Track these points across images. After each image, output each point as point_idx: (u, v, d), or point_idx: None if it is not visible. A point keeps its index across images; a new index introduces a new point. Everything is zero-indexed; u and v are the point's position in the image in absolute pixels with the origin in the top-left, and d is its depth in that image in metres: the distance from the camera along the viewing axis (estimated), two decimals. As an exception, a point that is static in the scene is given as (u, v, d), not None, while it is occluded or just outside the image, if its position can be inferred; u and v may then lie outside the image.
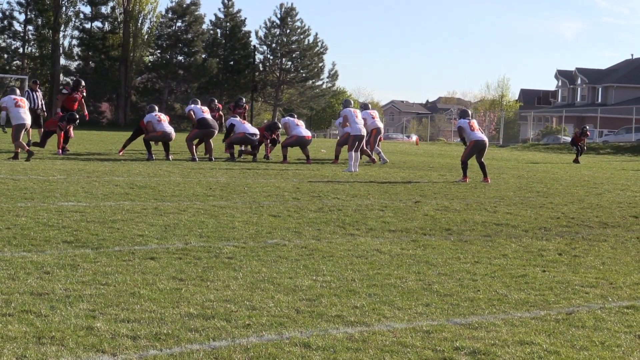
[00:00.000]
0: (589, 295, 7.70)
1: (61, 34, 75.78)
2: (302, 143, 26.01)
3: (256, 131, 25.66)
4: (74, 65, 78.32)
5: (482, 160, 20.90)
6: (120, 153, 24.82)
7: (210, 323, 6.18)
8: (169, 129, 23.89)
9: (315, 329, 6.15)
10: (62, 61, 76.95)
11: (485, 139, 21.25)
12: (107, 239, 9.56)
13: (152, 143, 24.00)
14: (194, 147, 24.61)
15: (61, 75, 75.32)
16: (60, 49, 75.88)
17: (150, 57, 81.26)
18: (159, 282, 7.43)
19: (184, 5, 79.81)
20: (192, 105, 25.42)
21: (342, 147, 25.75)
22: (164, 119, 24.43)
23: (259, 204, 13.55)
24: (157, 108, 25.23)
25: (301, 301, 7.00)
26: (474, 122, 22.06)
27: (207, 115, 25.14)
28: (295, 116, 27.33)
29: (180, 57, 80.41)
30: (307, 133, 26.41)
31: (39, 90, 28.07)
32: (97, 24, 78.28)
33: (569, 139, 67.36)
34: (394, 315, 6.68)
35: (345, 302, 7.04)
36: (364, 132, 23.19)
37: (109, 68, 76.61)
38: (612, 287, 8.11)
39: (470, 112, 23.15)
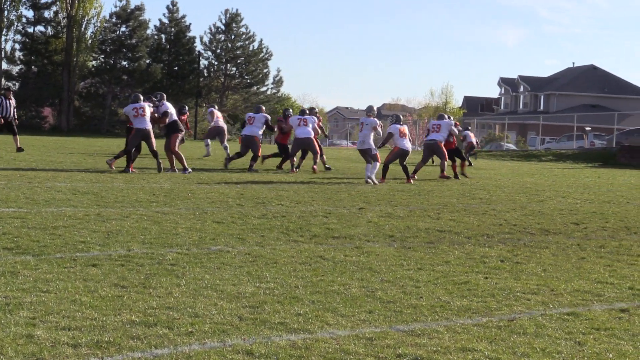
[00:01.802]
0: (531, 302, 7.77)
1: (3, 37, 74.77)
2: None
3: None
4: (16, 69, 77.46)
5: (404, 164, 21.93)
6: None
7: (153, 330, 6.14)
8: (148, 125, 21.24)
9: (258, 336, 6.14)
10: (4, 65, 75.99)
11: (410, 148, 22.13)
12: (49, 245, 9.46)
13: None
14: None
15: (3, 79, 74.38)
16: (2, 53, 74.88)
17: (93, 62, 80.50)
18: (101, 289, 7.37)
19: (128, 10, 79.28)
20: (166, 103, 22.34)
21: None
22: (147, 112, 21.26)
23: (203, 210, 13.50)
24: (141, 98, 21.77)
25: (244, 308, 6.98)
26: (405, 129, 22.51)
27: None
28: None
29: (124, 62, 79.81)
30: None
31: (12, 98, 28.30)
32: (40, 28, 77.37)
33: (512, 146, 68.12)
34: (337, 322, 6.69)
35: (288, 309, 7.03)
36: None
37: (51, 73, 75.75)
38: (553, 294, 8.19)
39: (402, 119, 23.65)
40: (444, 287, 8.27)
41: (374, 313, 7.05)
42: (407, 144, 22.65)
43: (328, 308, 7.13)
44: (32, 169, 20.15)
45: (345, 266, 9.20)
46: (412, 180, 22.42)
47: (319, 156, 25.05)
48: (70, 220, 11.55)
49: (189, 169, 21.31)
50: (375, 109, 23.39)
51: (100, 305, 6.81)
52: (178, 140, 21.92)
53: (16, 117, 28.48)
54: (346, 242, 11.01)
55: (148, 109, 21.13)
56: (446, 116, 25.14)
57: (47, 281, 7.59)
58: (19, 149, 27.49)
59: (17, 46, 77.47)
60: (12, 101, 28.34)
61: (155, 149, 20.92)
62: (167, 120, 21.89)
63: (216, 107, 32.80)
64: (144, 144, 21.42)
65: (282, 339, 6.11)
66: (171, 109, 22.22)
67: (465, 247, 11.06)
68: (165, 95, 23.02)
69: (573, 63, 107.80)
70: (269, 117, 25.46)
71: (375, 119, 22.44)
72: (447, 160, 24.58)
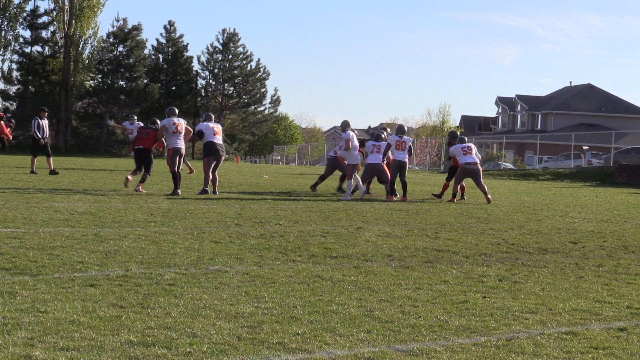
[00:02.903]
0: (529, 321, 7.77)
1: (0, 57, 74.89)
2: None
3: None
4: (13, 89, 77.46)
5: (404, 179, 22.05)
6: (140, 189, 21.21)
7: (151, 351, 6.14)
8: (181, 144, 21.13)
9: (256, 357, 6.14)
10: (1, 85, 76.11)
11: (406, 159, 22.10)
12: (47, 265, 9.46)
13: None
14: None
15: (0, 99, 74.44)
16: (0, 73, 75.01)
17: (91, 81, 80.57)
18: (99, 310, 7.37)
19: (126, 30, 79.33)
20: (204, 123, 21.96)
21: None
22: (181, 127, 21.15)
23: (201, 230, 13.51)
24: (176, 111, 21.68)
25: (242, 328, 6.98)
26: (405, 142, 22.61)
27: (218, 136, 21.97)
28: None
29: (121, 82, 79.80)
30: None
31: (46, 119, 28.33)
32: (37, 48, 77.44)
33: (509, 165, 68.14)
34: (336, 342, 6.69)
35: (286, 328, 7.03)
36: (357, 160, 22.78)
37: (49, 93, 75.76)
38: (551, 313, 8.19)
39: (405, 129, 23.52)
40: (442, 307, 8.27)
41: (372, 333, 7.05)
42: (403, 156, 22.75)
43: (326, 328, 7.14)
44: (30, 187, 20.16)
45: (344, 286, 9.20)
46: (407, 198, 22.64)
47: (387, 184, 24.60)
48: (68, 240, 11.55)
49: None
50: (349, 123, 23.19)
51: (99, 325, 6.81)
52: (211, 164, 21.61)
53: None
54: (344, 262, 11.01)
55: (184, 123, 21.09)
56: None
57: (45, 301, 7.59)
58: (53, 172, 27.43)
59: (14, 66, 77.42)
60: (46, 121, 28.40)
61: (176, 170, 20.79)
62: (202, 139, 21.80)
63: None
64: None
65: (280, 358, 6.12)
66: (208, 130, 21.72)
67: (463, 267, 11.07)
68: (211, 115, 22.60)
69: (570, 82, 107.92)
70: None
71: (346, 133, 22.65)
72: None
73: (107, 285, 8.49)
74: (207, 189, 21.48)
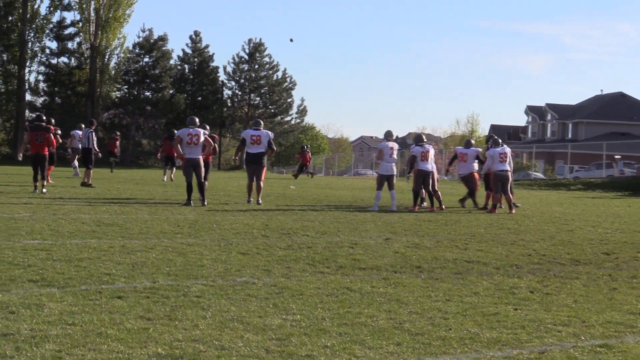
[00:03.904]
0: (562, 334, 7.72)
1: (27, 69, 75.29)
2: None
3: None
4: (39, 100, 77.97)
5: (430, 189, 22.24)
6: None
7: (179, 364, 6.14)
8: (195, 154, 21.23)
9: (285, 369, 6.13)
10: (28, 97, 76.59)
11: (430, 169, 22.15)
12: (74, 277, 9.50)
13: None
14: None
15: (27, 111, 74.84)
16: (26, 84, 75.41)
17: (117, 92, 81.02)
18: (127, 322, 7.38)
19: (152, 41, 79.75)
20: (245, 131, 22.98)
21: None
22: (197, 138, 21.12)
23: (228, 241, 13.52)
24: (197, 121, 21.69)
25: (271, 341, 6.97)
26: (429, 152, 22.57)
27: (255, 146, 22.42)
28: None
29: (147, 93, 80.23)
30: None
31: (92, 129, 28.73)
32: (64, 59, 77.99)
33: (539, 175, 67.84)
34: (365, 354, 6.67)
35: (315, 341, 7.02)
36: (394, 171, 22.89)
37: (75, 104, 76.25)
38: (584, 326, 8.14)
39: (424, 138, 23.46)
40: (473, 319, 8.23)
41: (402, 345, 7.02)
42: (428, 166, 22.73)
43: (355, 340, 7.12)
44: (57, 199, 20.26)
45: (373, 298, 9.18)
46: (434, 209, 22.61)
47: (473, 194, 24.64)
48: (95, 252, 11.59)
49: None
50: (391, 133, 23.35)
51: (126, 337, 6.82)
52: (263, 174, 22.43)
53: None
54: (373, 273, 10.99)
55: (202, 136, 21.11)
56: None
57: (73, 314, 7.61)
58: (88, 184, 27.63)
59: (40, 77, 78.05)
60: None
61: (203, 180, 20.90)
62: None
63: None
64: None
65: (309, 371, 6.10)
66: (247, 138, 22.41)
67: (494, 278, 11.01)
68: (260, 122, 23.15)
69: (601, 90, 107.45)
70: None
71: (381, 143, 22.89)
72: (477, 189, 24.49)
73: (135, 297, 8.51)
74: (250, 199, 22.61)
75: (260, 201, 22.34)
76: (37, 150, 23.85)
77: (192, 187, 20.80)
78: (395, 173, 22.67)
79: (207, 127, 22.97)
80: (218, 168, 70.90)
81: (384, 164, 22.48)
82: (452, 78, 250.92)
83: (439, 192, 23.43)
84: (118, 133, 43.42)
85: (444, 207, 23.08)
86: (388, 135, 23.17)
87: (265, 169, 22.50)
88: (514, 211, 22.95)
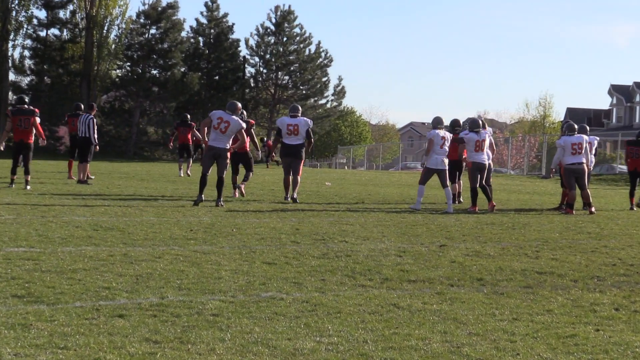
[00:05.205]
0: (653, 360, 7.69)
1: (10, 43, 75.54)
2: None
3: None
4: (25, 81, 78.12)
5: (484, 183, 22.50)
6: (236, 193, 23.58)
7: (192, 395, 6.16)
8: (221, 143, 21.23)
9: (319, 402, 6.14)
10: (12, 76, 76.84)
11: (486, 160, 22.23)
12: (66, 292, 9.55)
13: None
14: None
15: (10, 93, 75.06)
16: (9, 61, 75.67)
17: (118, 71, 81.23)
18: (129, 346, 7.42)
19: (159, 9, 79.63)
20: (281, 118, 24.02)
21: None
22: (226, 127, 21.09)
23: (251, 248, 13.56)
24: (238, 107, 21.57)
25: (302, 368, 6.98)
26: (486, 139, 22.55)
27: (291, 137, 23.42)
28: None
29: (154, 71, 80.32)
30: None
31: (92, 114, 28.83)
32: (54, 31, 78.06)
33: (625, 168, 67.42)
34: (416, 384, 6.67)
35: (355, 368, 7.02)
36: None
37: (67, 85, 76.45)
38: (680, 350, 8.09)
39: (480, 123, 23.38)
40: (546, 342, 8.21)
41: (460, 373, 7.02)
42: (483, 157, 22.71)
43: (404, 367, 7.11)
44: (46, 198, 20.38)
45: (424, 316, 9.18)
46: (492, 204, 22.67)
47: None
48: (91, 261, 11.65)
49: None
50: (441, 120, 23.25)
51: (129, 364, 6.86)
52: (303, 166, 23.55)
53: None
54: (425, 287, 10.98)
55: (236, 126, 21.03)
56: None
57: (65, 335, 7.66)
58: (84, 181, 27.76)
59: (26, 53, 78.04)
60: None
61: (223, 175, 20.99)
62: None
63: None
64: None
65: (348, 405, 6.11)
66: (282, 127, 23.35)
67: (571, 293, 10.98)
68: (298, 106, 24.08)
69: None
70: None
71: (430, 132, 23.15)
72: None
73: (139, 316, 8.55)
74: (287, 196, 23.51)
75: (295, 196, 23.28)
76: (21, 138, 24.21)
77: (207, 180, 20.90)
78: (446, 167, 22.64)
79: (244, 112, 23.33)
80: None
81: (433, 155, 22.50)
82: (521, 53, 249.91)
83: (491, 187, 23.56)
84: (189, 119, 39.15)
85: (494, 203, 23.09)
86: (437, 122, 23.04)
87: (302, 161, 23.08)
88: (594, 210, 22.88)
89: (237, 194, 24.18)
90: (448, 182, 22.63)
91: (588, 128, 23.84)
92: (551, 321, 9.20)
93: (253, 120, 27.96)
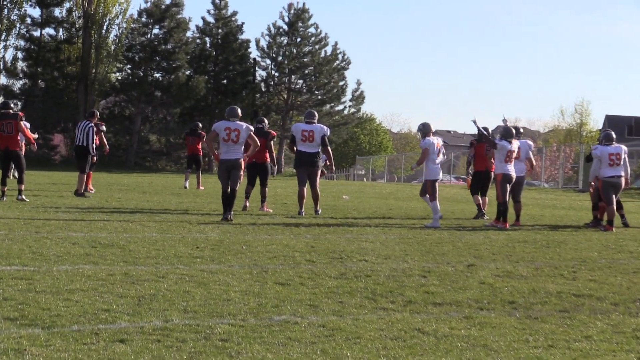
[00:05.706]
0: (701, 391, 7.67)
1: (1, 44, 75.75)
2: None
3: None
4: (17, 84, 78.21)
5: (518, 198, 22.52)
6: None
7: None
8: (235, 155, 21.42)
9: None
10: (3, 80, 77.01)
11: (513, 173, 22.29)
12: (63, 315, 9.56)
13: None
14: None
15: (1, 98, 75.09)
16: (1, 64, 75.83)
17: (118, 74, 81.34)
18: (131, 373, 7.42)
19: (163, 7, 79.70)
20: (295, 125, 24.50)
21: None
22: (237, 135, 21.28)
23: (262, 268, 13.56)
24: (238, 112, 21.86)
25: (319, 398, 6.99)
26: (515, 148, 22.60)
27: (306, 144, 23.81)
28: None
29: (157, 75, 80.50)
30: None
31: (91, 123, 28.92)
32: (49, 30, 78.31)
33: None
34: (443, 417, 6.66)
35: (377, 399, 7.02)
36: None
37: (63, 89, 76.57)
38: None
39: (514, 132, 23.40)
40: (584, 371, 8.20)
41: (490, 405, 7.01)
42: (511, 169, 22.72)
43: (430, 398, 7.11)
44: (40, 212, 20.42)
45: (452, 342, 9.17)
46: (519, 222, 22.84)
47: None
48: (89, 281, 11.67)
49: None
50: (430, 127, 23.21)
51: (131, 393, 6.87)
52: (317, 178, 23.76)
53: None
54: (452, 311, 10.97)
55: (245, 131, 21.20)
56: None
57: (62, 362, 7.67)
58: (81, 194, 27.81)
59: (19, 55, 78.11)
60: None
61: (236, 187, 21.03)
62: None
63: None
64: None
65: None
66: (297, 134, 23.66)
67: (612, 317, 10.95)
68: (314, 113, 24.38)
69: None
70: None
71: (424, 140, 23.15)
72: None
73: (141, 341, 8.55)
74: (302, 211, 23.57)
75: (319, 210, 23.67)
76: (6, 145, 24.20)
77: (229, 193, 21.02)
78: (440, 177, 22.81)
79: (266, 122, 25.14)
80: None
81: (431, 166, 22.54)
82: (555, 54, 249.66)
83: (521, 203, 23.68)
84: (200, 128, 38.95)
85: (520, 222, 23.19)
86: (429, 129, 22.95)
87: (319, 171, 23.01)
88: (626, 220, 22.97)
89: (248, 204, 24.57)
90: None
91: (614, 136, 23.76)
92: (590, 348, 9.18)
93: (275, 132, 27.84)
